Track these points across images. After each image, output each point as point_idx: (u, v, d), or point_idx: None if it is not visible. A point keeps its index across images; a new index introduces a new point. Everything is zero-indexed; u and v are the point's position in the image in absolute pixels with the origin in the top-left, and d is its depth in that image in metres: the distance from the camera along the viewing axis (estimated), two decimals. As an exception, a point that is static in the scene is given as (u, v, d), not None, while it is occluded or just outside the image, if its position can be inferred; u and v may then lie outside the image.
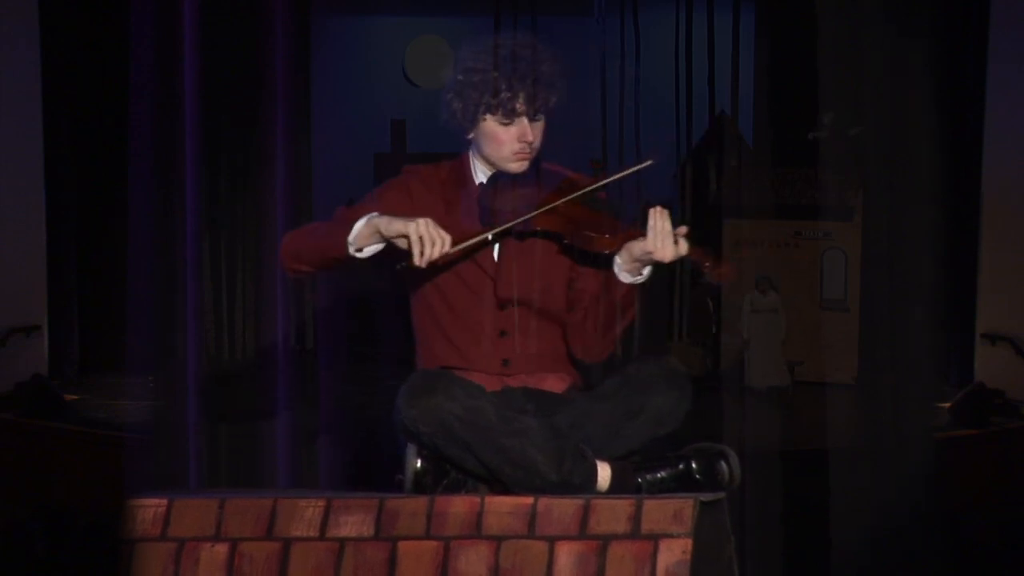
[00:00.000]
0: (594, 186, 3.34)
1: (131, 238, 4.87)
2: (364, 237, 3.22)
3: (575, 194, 3.31)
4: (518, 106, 3.35)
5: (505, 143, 3.37)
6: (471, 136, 3.42)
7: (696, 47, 6.79)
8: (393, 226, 3.20)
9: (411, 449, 3.22)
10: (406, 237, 3.19)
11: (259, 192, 6.24)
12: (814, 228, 6.33)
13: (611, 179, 3.35)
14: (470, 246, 3.29)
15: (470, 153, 3.47)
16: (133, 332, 4.91)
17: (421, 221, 3.19)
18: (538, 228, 3.32)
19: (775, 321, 6.19)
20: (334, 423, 5.18)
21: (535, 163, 3.41)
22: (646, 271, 3.33)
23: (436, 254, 3.18)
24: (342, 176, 7.33)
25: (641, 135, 6.28)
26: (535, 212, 3.30)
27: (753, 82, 6.61)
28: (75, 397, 6.09)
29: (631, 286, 3.33)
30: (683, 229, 3.26)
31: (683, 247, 3.25)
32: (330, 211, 3.39)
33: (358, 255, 3.24)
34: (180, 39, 4.67)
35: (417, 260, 3.18)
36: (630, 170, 3.41)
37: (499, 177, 3.40)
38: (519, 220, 3.30)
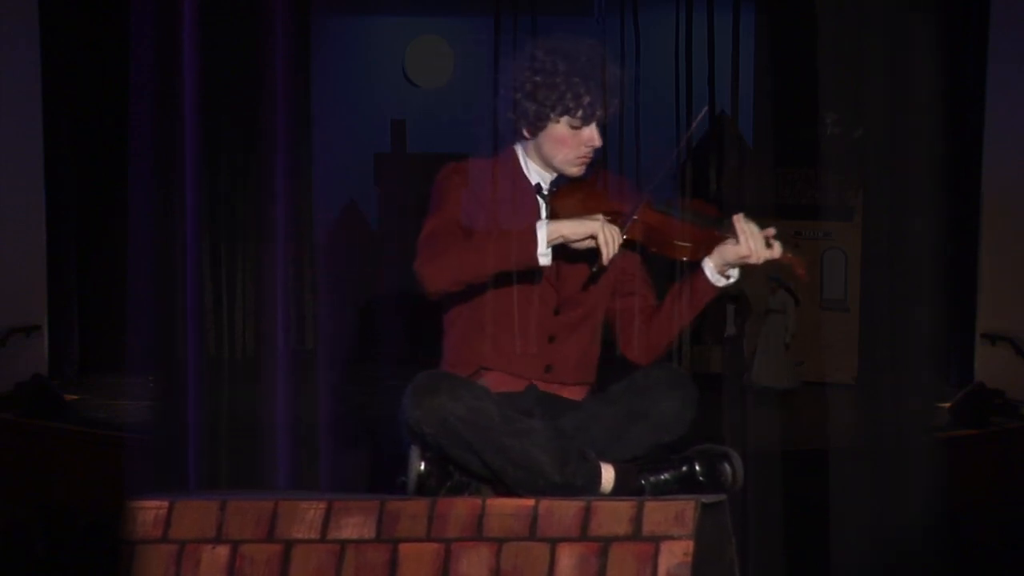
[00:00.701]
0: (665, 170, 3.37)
1: (131, 238, 4.87)
2: (551, 244, 3.24)
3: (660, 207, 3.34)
4: (597, 111, 3.35)
5: (572, 147, 3.37)
6: (531, 136, 3.40)
7: (696, 47, 6.81)
8: (578, 230, 3.22)
9: (414, 451, 3.22)
10: (593, 238, 3.21)
11: (259, 192, 6.24)
12: (814, 228, 6.33)
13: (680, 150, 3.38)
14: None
15: (519, 151, 3.45)
16: (133, 332, 4.90)
17: (601, 220, 3.23)
18: (625, 237, 3.32)
19: (782, 322, 6.18)
20: (334, 423, 5.17)
21: (590, 167, 3.43)
22: (734, 273, 3.36)
23: (616, 250, 3.22)
24: (342, 176, 7.34)
25: (641, 135, 6.28)
26: (632, 219, 3.31)
27: (753, 82, 6.62)
28: (75, 397, 6.09)
29: (715, 288, 3.35)
30: (771, 231, 3.29)
31: (776, 249, 3.29)
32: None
33: (543, 262, 3.25)
34: (180, 39, 4.66)
35: (605, 260, 3.21)
36: (693, 124, 3.42)
37: (563, 181, 3.40)
38: (635, 216, 3.30)
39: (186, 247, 4.94)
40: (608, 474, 3.25)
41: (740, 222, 3.29)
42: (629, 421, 3.30)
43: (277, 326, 5.52)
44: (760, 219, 3.39)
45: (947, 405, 5.71)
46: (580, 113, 3.33)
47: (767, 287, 6.16)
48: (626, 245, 3.34)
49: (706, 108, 3.54)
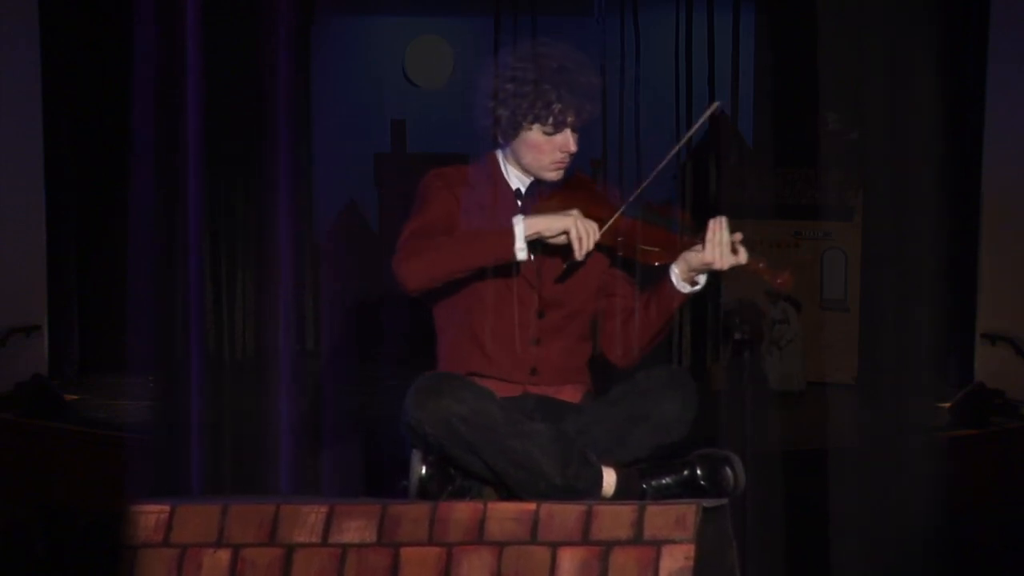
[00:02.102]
0: (646, 182, 3.38)
1: (131, 238, 4.87)
2: (527, 240, 3.27)
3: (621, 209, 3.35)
4: (568, 118, 3.36)
5: (547, 153, 3.39)
6: (507, 143, 3.42)
7: (696, 47, 6.81)
8: (554, 225, 3.26)
9: (416, 455, 3.22)
10: (566, 233, 3.22)
11: (259, 192, 6.23)
12: (814, 228, 6.33)
13: (665, 159, 3.38)
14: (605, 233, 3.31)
15: (500, 157, 3.46)
16: (133, 332, 4.90)
17: (574, 215, 3.26)
18: (598, 241, 3.33)
19: (786, 332, 6.18)
20: (335, 423, 5.18)
21: (568, 172, 3.44)
22: (702, 279, 3.36)
23: (590, 246, 3.23)
24: (342, 176, 7.34)
25: (641, 135, 6.28)
26: (617, 214, 3.31)
27: (753, 82, 6.62)
28: (75, 397, 6.08)
29: (681, 295, 3.35)
30: (738, 236, 3.29)
31: (742, 255, 3.28)
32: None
33: (520, 256, 3.28)
34: (181, 39, 4.66)
35: (578, 255, 3.23)
36: (699, 122, 3.45)
37: (539, 186, 3.42)
38: (612, 219, 3.31)
39: (186, 247, 4.94)
40: (610, 478, 3.25)
41: (713, 229, 3.29)
42: (631, 423, 3.31)
43: (277, 326, 5.52)
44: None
45: (947, 405, 5.71)
46: (551, 120, 3.35)
47: (767, 300, 6.17)
48: (600, 249, 3.36)
49: (718, 103, 3.53)
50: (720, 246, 3.27)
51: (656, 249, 3.34)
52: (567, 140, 3.38)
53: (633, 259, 3.39)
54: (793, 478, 4.20)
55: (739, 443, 3.75)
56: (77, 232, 6.53)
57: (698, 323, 6.73)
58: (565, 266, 3.32)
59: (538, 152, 3.39)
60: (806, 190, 6.37)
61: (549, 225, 3.26)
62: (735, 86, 6.55)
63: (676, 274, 3.35)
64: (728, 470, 3.33)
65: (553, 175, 3.41)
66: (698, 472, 3.32)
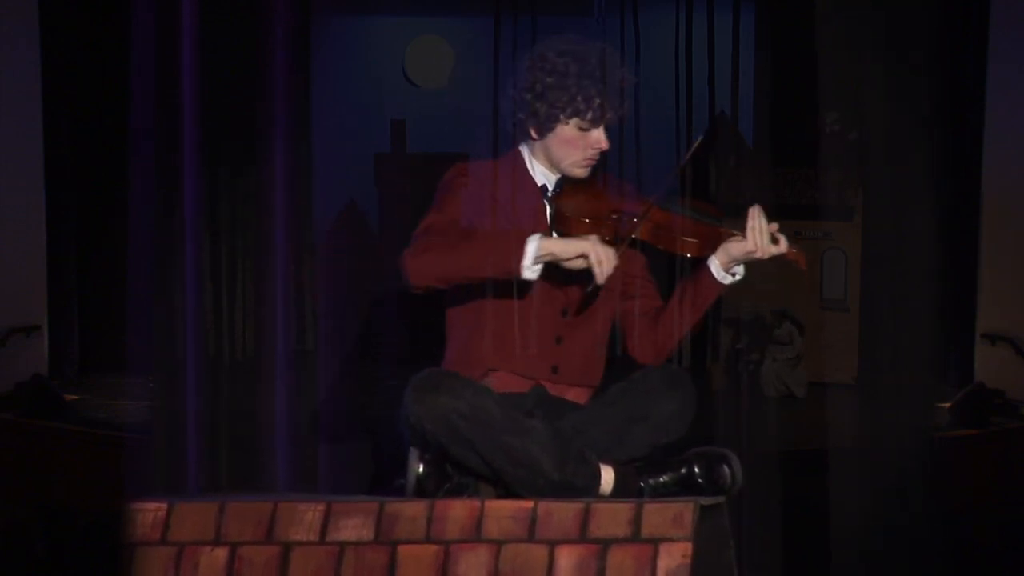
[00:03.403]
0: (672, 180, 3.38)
1: (131, 238, 4.87)
2: (538, 259, 3.23)
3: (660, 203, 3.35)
4: (608, 113, 3.35)
5: (580, 148, 3.38)
6: (540, 137, 3.41)
7: (696, 47, 6.79)
8: (569, 248, 3.22)
9: (413, 453, 3.23)
10: (584, 257, 3.19)
11: (259, 192, 6.23)
12: (814, 228, 6.33)
13: (683, 163, 3.38)
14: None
15: (525, 153, 3.45)
16: (133, 332, 4.90)
17: (593, 240, 3.21)
18: (634, 236, 3.32)
19: (787, 352, 6.17)
20: (334, 423, 5.18)
21: (595, 170, 3.44)
22: (740, 270, 3.36)
23: (610, 270, 3.20)
24: (342, 176, 7.33)
25: (641, 135, 6.28)
26: (642, 219, 3.30)
27: (753, 82, 6.61)
28: (75, 397, 6.08)
29: (721, 285, 3.35)
30: (774, 226, 3.30)
31: (783, 244, 3.29)
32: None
33: (527, 276, 3.23)
34: (180, 39, 4.66)
35: (600, 279, 3.19)
36: (692, 149, 3.46)
37: (568, 182, 3.41)
38: (642, 220, 3.29)
39: (186, 247, 4.94)
40: (608, 476, 3.25)
41: (753, 217, 3.29)
42: (629, 423, 3.31)
43: (277, 326, 5.52)
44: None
45: (947, 405, 5.70)
46: (590, 115, 3.35)
47: (772, 319, 6.16)
48: (632, 245, 3.35)
49: (701, 137, 3.54)
50: (762, 234, 3.28)
51: (695, 241, 3.34)
52: (600, 137, 3.39)
53: (673, 252, 3.38)
54: (792, 478, 4.20)
55: (737, 442, 3.76)
56: (77, 232, 6.53)
57: (698, 323, 6.72)
58: (587, 291, 3.29)
59: (572, 148, 3.38)
60: (806, 190, 6.37)
61: (566, 249, 3.22)
62: (735, 86, 6.54)
63: (716, 265, 3.35)
64: (726, 468, 3.33)
65: (581, 172, 3.41)
66: (696, 470, 3.32)
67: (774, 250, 3.31)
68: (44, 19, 6.27)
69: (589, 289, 3.28)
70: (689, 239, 3.34)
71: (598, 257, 3.19)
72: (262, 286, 5.73)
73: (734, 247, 3.32)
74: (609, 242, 3.31)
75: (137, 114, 4.81)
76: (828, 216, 6.19)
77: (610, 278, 3.37)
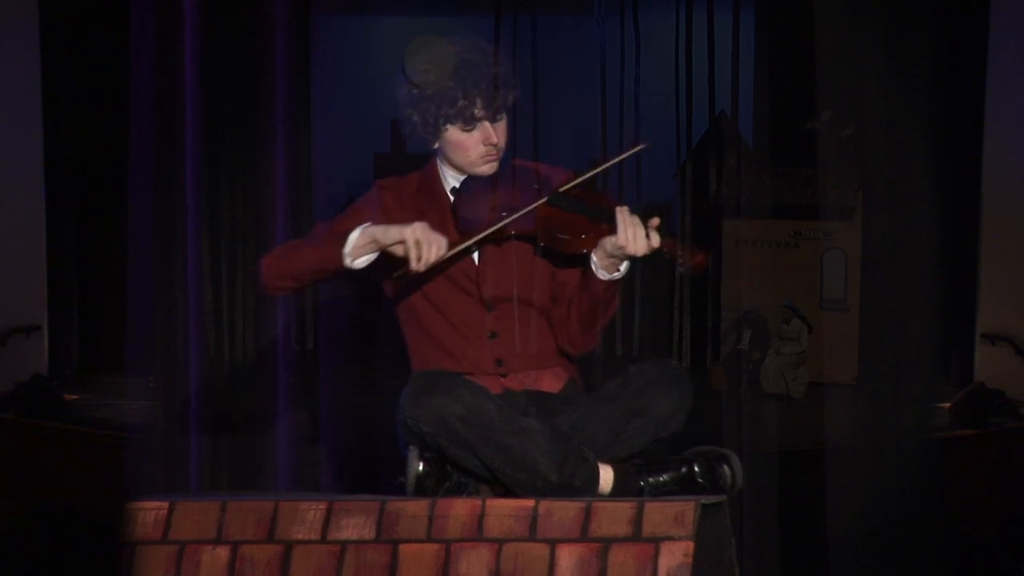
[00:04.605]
0: (569, 184, 3.37)
1: (131, 238, 4.87)
2: (360, 248, 3.26)
3: (541, 199, 3.35)
4: (477, 112, 3.36)
5: (471, 149, 3.40)
6: (437, 145, 3.44)
7: (696, 47, 6.81)
8: (390, 233, 3.24)
9: (413, 452, 3.22)
10: (403, 243, 3.22)
11: (259, 192, 6.23)
12: (814, 228, 6.32)
13: (585, 176, 3.38)
14: (461, 251, 3.31)
15: (437, 161, 3.48)
16: (133, 332, 4.90)
17: (417, 226, 3.23)
18: (512, 232, 3.35)
19: (795, 349, 6.17)
20: (334, 423, 5.18)
21: (503, 162, 3.44)
22: (623, 267, 3.36)
23: (433, 257, 3.21)
24: (342, 176, 7.33)
25: (641, 135, 6.29)
26: (510, 219, 3.32)
27: (753, 82, 6.63)
28: (75, 397, 6.09)
29: (611, 282, 3.35)
30: (655, 221, 3.29)
31: (655, 240, 3.28)
32: (330, 211, 3.41)
33: (353, 266, 3.27)
34: (180, 39, 4.66)
35: (414, 265, 3.22)
36: (615, 159, 3.44)
37: (470, 182, 3.42)
38: (499, 225, 3.32)
39: (186, 247, 4.94)
40: (607, 475, 3.25)
41: (621, 213, 3.29)
42: (626, 419, 3.31)
43: (277, 326, 5.52)
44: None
45: (947, 405, 5.71)
46: (461, 119, 3.36)
47: (781, 315, 6.17)
48: (524, 240, 3.36)
49: (642, 145, 3.53)
50: (632, 230, 3.27)
51: (568, 237, 3.34)
52: (488, 132, 3.39)
53: (553, 248, 3.38)
54: (792, 477, 4.21)
55: (737, 442, 3.76)
56: (77, 232, 6.54)
57: (698, 323, 6.74)
58: (394, 276, 3.30)
59: (463, 149, 3.40)
60: (806, 190, 6.37)
61: (386, 235, 3.24)
62: (735, 86, 6.55)
63: (594, 262, 3.35)
64: (726, 468, 3.32)
65: (486, 168, 3.42)
66: (696, 469, 3.31)
67: (647, 245, 3.29)
68: (44, 19, 6.27)
69: (396, 275, 3.28)
70: (563, 236, 3.35)
71: (416, 242, 3.20)
72: (262, 286, 5.73)
73: (608, 244, 3.31)
74: (494, 239, 3.33)
75: (137, 114, 4.81)
76: (828, 216, 6.19)
77: (537, 265, 3.39)
